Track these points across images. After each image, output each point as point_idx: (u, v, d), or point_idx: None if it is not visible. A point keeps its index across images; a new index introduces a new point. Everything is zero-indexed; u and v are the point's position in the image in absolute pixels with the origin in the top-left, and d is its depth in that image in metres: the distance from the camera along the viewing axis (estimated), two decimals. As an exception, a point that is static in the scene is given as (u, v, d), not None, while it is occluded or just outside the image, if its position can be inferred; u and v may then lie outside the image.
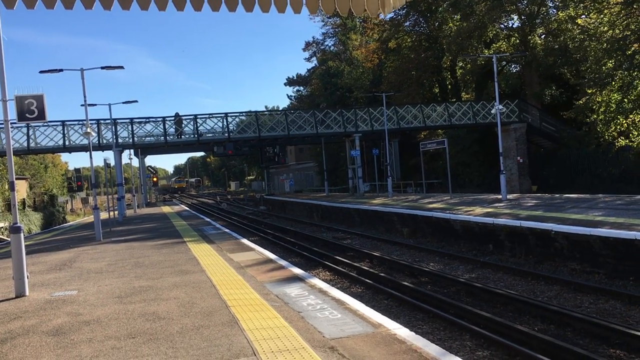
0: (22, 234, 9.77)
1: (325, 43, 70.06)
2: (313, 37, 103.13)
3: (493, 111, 26.28)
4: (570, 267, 13.66)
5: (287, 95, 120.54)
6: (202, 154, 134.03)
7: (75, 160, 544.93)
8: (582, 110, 31.91)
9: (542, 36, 41.74)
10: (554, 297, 11.34)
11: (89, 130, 20.35)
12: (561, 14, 37.36)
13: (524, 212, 18.27)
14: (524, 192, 33.76)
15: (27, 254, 9.99)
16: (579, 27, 35.60)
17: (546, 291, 11.83)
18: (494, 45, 42.99)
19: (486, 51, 40.45)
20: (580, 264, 13.44)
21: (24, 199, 43.61)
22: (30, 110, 9.62)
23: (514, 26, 43.58)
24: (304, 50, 72.68)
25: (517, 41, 41.71)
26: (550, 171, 37.75)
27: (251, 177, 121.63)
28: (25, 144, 35.12)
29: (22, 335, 7.07)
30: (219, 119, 39.70)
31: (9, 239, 29.26)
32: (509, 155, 37.98)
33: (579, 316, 9.29)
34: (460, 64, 47.35)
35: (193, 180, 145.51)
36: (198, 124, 39.19)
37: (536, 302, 10.44)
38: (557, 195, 24.25)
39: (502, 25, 43.01)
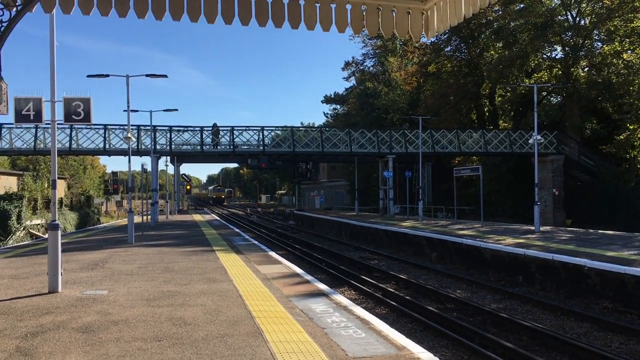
0: (59, 232, 10.06)
1: (365, 63, 70.45)
2: (353, 57, 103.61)
3: (530, 141, 25.92)
4: (602, 305, 13.32)
5: (324, 112, 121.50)
6: (235, 165, 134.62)
7: (113, 164, 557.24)
8: (622, 146, 31.32)
9: (586, 69, 41.22)
10: (583, 334, 11.08)
11: (129, 135, 20.86)
12: (606, 48, 36.91)
13: (557, 245, 17.93)
14: (557, 225, 33.12)
15: (61, 251, 10.27)
16: (624, 62, 35.05)
17: (575, 327, 11.57)
18: (535, 75, 42.63)
19: (527, 80, 40.16)
20: (613, 303, 13.10)
21: (61, 198, 44.70)
22: (77, 112, 9.95)
23: (556, 57, 43.17)
24: (343, 69, 73.16)
25: (559, 72, 41.27)
26: (586, 205, 36.98)
27: (282, 192, 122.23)
28: (67, 145, 36.17)
29: (53, 330, 7.27)
30: (255, 131, 40.26)
31: (44, 236, 30.06)
32: (544, 186, 37.39)
33: (609, 356, 9.06)
34: (500, 92, 47.03)
35: (225, 190, 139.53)
36: (234, 136, 39.77)
37: (565, 337, 10.22)
38: (592, 231, 23.73)
39: (545, 56, 42.64)
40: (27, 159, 58.06)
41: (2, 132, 35.30)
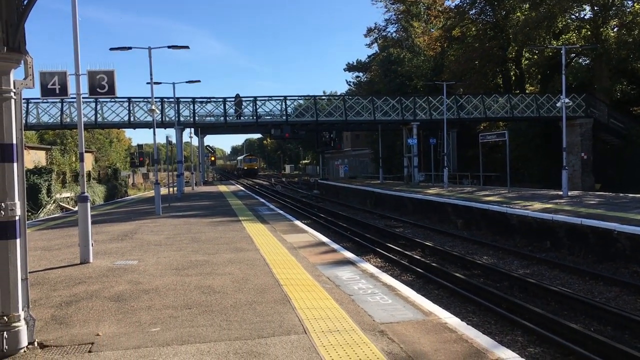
0: (88, 203, 10.25)
1: (388, 29, 69.24)
2: (375, 23, 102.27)
3: (558, 104, 25.41)
4: (632, 269, 13.14)
5: (346, 80, 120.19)
6: (259, 135, 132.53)
7: (138, 137, 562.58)
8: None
9: (615, 28, 39.92)
10: (612, 298, 10.96)
11: (153, 107, 20.97)
12: (637, 6, 35.64)
13: (586, 209, 17.67)
14: (586, 190, 32.59)
15: (91, 223, 10.47)
16: (657, 20, 33.84)
17: (605, 292, 11.45)
18: (563, 36, 41.47)
19: (555, 42, 39.09)
20: (643, 267, 12.92)
21: (89, 171, 45.45)
22: (101, 85, 10.01)
23: (585, 17, 41.84)
24: (366, 36, 72.08)
25: (588, 33, 40.06)
26: (615, 169, 36.26)
27: (306, 161, 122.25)
28: (93, 119, 36.61)
29: (86, 299, 7.45)
30: (277, 101, 40.15)
31: (74, 209, 30.70)
32: (573, 151, 36.70)
33: (638, 319, 8.96)
34: (527, 55, 45.94)
35: (259, 160, 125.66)
36: (257, 106, 39.73)
37: (593, 302, 10.13)
38: (622, 195, 23.29)
39: (573, 16, 41.36)
40: (54, 133, 59.06)
41: (29, 107, 35.82)
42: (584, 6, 40.63)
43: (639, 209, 17.08)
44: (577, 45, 37.00)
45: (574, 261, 14.62)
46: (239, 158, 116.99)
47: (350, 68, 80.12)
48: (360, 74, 79.73)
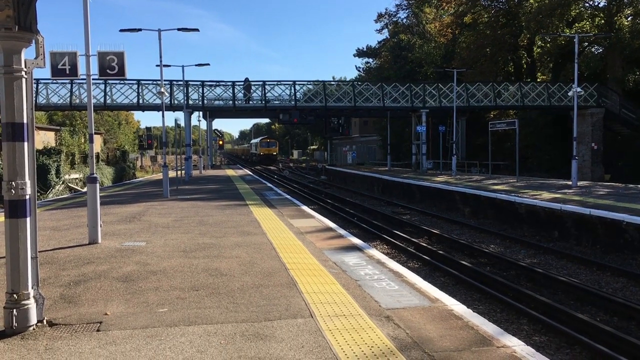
0: (97, 185, 10.29)
1: (398, 15, 68.55)
2: (386, 9, 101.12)
3: (570, 94, 25.14)
4: (640, 260, 13.10)
5: (356, 66, 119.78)
6: (267, 120, 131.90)
7: (147, 120, 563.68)
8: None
9: (630, 17, 39.36)
10: (619, 289, 10.94)
11: (162, 90, 20.96)
12: (653, -6, 35.10)
13: (594, 200, 17.58)
14: (595, 180, 32.39)
15: (100, 204, 10.52)
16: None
17: (612, 282, 11.42)
18: (577, 24, 40.96)
19: (567, 30, 38.65)
20: (651, 259, 12.86)
21: (98, 153, 45.61)
22: (111, 67, 10.01)
23: (599, 5, 41.26)
24: (376, 21, 71.36)
25: (602, 21, 39.53)
26: (626, 160, 35.99)
27: (314, 147, 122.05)
28: (102, 100, 36.66)
29: (94, 279, 7.51)
30: (286, 86, 40.05)
31: (82, 190, 30.87)
32: (583, 141, 36.44)
33: (645, 311, 8.94)
34: (539, 43, 45.42)
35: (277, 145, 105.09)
36: (266, 91, 39.64)
37: (600, 292, 10.11)
38: (632, 186, 23.15)
39: (587, 4, 40.81)
40: (63, 114, 59.24)
41: (39, 87, 35.92)
42: (599, -6, 40.14)
43: (649, 200, 16.97)
44: (591, 33, 36.58)
45: (582, 251, 14.59)
46: (254, 141, 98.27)
47: (360, 54, 79.60)
48: (370, 60, 79.20)
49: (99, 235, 10.36)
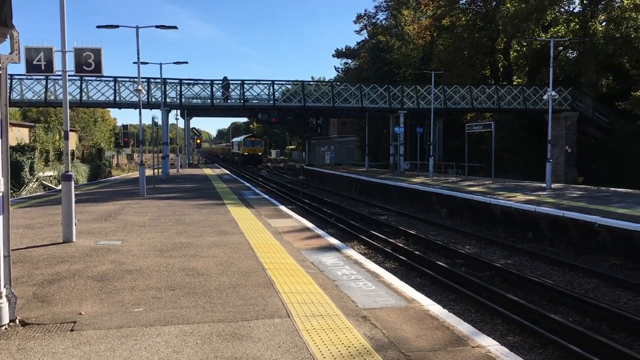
0: (72, 182, 10.14)
1: (377, 16, 68.93)
2: (365, 10, 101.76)
3: (545, 97, 25.54)
4: (612, 262, 13.35)
5: (335, 67, 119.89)
6: (245, 120, 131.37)
7: (124, 117, 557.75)
8: (639, 103, 30.74)
9: (604, 23, 40.14)
10: (591, 290, 11.15)
11: (139, 87, 20.75)
12: (626, 1, 35.86)
13: (568, 202, 17.88)
14: (569, 183, 32.96)
15: (75, 203, 10.37)
16: (644, 16, 34.10)
17: (584, 283, 11.63)
18: (552, 29, 41.62)
19: (543, 35, 39.22)
20: (623, 260, 13.12)
21: (73, 150, 44.90)
22: (88, 63, 9.88)
23: (574, 10, 42.00)
24: (355, 22, 71.68)
25: (577, 26, 40.24)
26: (599, 163, 36.69)
27: (292, 147, 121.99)
28: (78, 97, 36.11)
29: (69, 278, 7.40)
30: (265, 85, 39.94)
31: (57, 187, 30.38)
32: (557, 143, 37.04)
33: (616, 311, 9.13)
34: (515, 47, 46.05)
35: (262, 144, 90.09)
36: (245, 90, 39.49)
37: (573, 293, 10.28)
38: (604, 188, 23.60)
39: (562, 9, 41.51)
40: (37, 110, 58.14)
41: (13, 83, 35.24)
42: (574, -1, 40.84)
43: (620, 202, 17.32)
44: (566, 38, 37.19)
45: (555, 253, 14.82)
46: (236, 140, 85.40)
47: (339, 54, 79.73)
48: (349, 61, 79.37)
49: (74, 234, 10.22)
